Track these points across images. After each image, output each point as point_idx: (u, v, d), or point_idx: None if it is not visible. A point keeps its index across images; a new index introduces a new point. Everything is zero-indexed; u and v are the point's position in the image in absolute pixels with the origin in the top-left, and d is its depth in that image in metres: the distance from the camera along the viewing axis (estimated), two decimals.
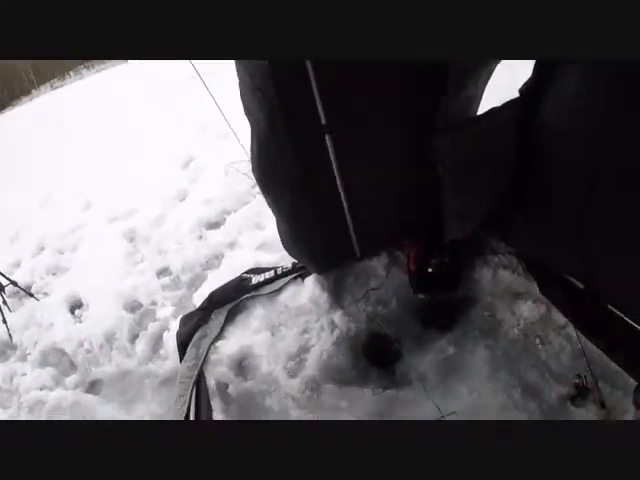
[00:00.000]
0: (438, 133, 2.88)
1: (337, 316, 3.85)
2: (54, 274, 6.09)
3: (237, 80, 2.76)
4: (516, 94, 2.88)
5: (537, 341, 3.57)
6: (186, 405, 3.59)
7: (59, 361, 4.85)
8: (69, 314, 5.29)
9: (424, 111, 2.81)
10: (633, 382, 3.08)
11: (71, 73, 23.54)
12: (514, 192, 3.34)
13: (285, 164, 3.07)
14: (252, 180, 5.46)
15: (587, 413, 3.15)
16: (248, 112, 2.91)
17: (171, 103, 9.68)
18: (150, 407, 4.04)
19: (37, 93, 22.14)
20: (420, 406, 3.31)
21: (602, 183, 2.62)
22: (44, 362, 4.88)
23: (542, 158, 3.03)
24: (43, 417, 4.31)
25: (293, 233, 3.68)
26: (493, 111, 2.89)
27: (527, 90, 2.85)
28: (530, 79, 2.81)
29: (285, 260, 4.25)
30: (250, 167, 3.29)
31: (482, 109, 3.10)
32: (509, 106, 2.89)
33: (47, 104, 15.52)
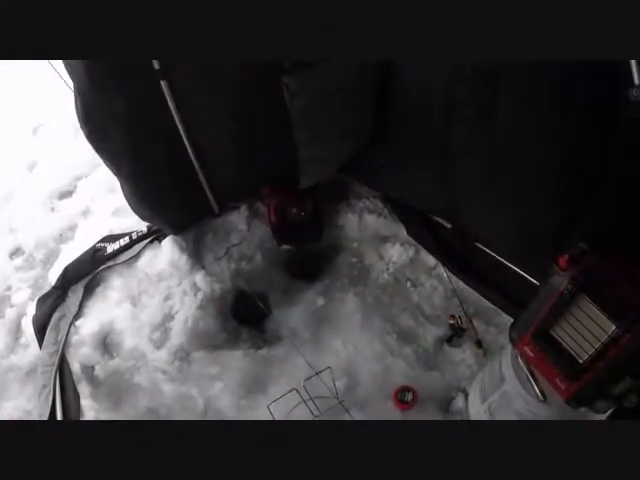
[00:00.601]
0: (286, 72, 2.70)
1: (199, 277, 3.64)
2: None
3: None
4: None
5: (408, 284, 3.59)
6: (51, 395, 3.35)
7: None
8: None
9: None
10: (507, 318, 3.18)
11: None
12: (373, 131, 3.24)
13: (115, 118, 2.80)
14: None
15: (464, 353, 3.21)
16: (68, 64, 2.61)
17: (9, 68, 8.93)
18: (19, 402, 3.69)
19: None
20: (293, 363, 3.26)
21: (460, 114, 2.59)
22: None
23: (399, 92, 2.94)
24: None
25: (138, 193, 3.40)
26: None
27: None
28: None
29: (140, 224, 3.97)
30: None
31: None
32: None
33: None
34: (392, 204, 3.83)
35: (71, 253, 4.24)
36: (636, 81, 1.68)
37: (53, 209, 5.10)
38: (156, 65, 2.61)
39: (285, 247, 3.81)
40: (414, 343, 3.29)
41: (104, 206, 4.74)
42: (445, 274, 3.49)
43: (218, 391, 3.27)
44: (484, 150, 2.60)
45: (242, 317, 3.64)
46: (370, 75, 2.90)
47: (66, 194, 5.23)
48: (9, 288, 4.49)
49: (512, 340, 2.29)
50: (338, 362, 3.21)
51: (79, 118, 2.84)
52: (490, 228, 3.05)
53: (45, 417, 3.26)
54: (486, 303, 3.35)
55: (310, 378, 2.97)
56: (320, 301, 3.57)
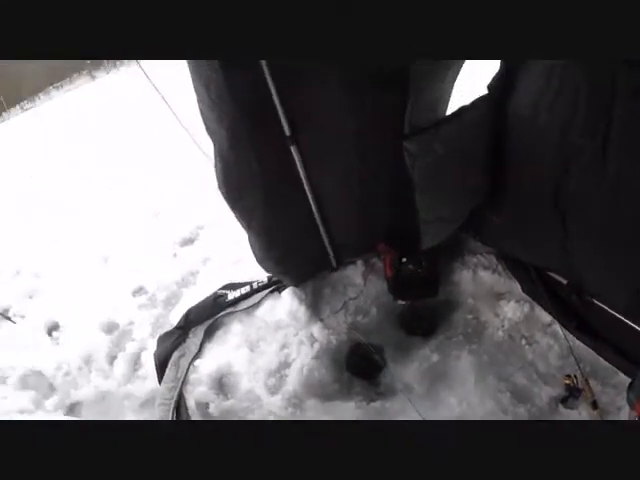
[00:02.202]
0: (406, 138, 2.83)
1: (316, 329, 3.77)
2: (30, 297, 5.98)
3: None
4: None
5: (523, 342, 3.52)
6: None
7: (38, 384, 4.69)
8: (46, 336, 5.18)
9: (390, 115, 2.76)
10: (624, 378, 3.05)
11: (40, 95, 23.41)
12: (489, 190, 3.30)
13: (251, 178, 3.01)
14: None
15: (579, 415, 3.09)
16: (209, 130, 2.83)
17: (138, 119, 9.62)
18: None
19: (7, 116, 21.96)
20: (406, 418, 3.22)
21: (572, 167, 2.60)
22: (23, 385, 4.73)
23: (514, 154, 3.01)
24: None
25: (265, 247, 3.59)
26: (461, 110, 2.85)
27: (495, 86, 2.81)
28: (497, 74, 2.77)
29: (261, 275, 4.15)
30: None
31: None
32: (477, 104, 2.85)
33: (18, 126, 15.39)
34: (506, 260, 3.80)
35: (192, 297, 4.51)
36: None
37: (175, 255, 5.43)
38: (287, 132, 2.81)
39: (401, 302, 3.85)
40: (528, 403, 3.19)
41: (225, 256, 5.00)
42: (561, 331, 3.37)
43: None
44: (596, 202, 2.58)
45: (356, 369, 3.67)
46: (485, 135, 3.00)
47: (188, 241, 5.58)
48: (131, 323, 4.82)
49: (630, 402, 2.22)
50: (451, 419, 3.18)
51: (218, 178, 3.06)
52: (605, 282, 2.96)
53: None
54: (603, 362, 3.22)
55: None
56: (435, 357, 3.56)
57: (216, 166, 3.00)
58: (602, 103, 2.22)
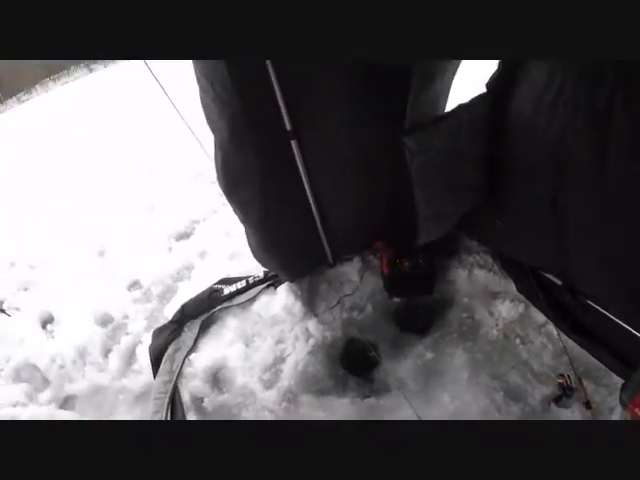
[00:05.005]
0: (405, 134, 2.82)
1: (312, 324, 3.77)
2: (25, 289, 5.98)
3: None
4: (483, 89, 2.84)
5: (517, 341, 3.54)
6: None
7: (32, 377, 4.71)
8: (41, 329, 5.18)
9: (390, 111, 2.76)
10: (617, 378, 3.08)
11: (37, 87, 23.32)
12: (486, 189, 3.30)
13: (250, 171, 3.01)
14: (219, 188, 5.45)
15: (572, 414, 3.11)
16: (210, 121, 2.84)
17: (135, 113, 9.61)
18: None
19: (3, 108, 21.88)
20: (400, 414, 3.24)
21: (570, 166, 2.60)
22: (17, 378, 4.75)
23: (512, 153, 3.00)
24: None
25: (262, 241, 3.60)
26: (460, 107, 2.85)
27: (494, 84, 2.80)
28: (496, 72, 2.77)
29: (257, 269, 4.18)
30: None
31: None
32: (476, 102, 2.85)
33: (14, 118, 15.34)
34: (502, 259, 3.82)
35: (187, 291, 4.52)
36: None
37: (170, 249, 5.44)
38: (288, 126, 2.82)
39: (396, 300, 3.86)
40: (521, 401, 3.21)
41: (220, 250, 5.02)
42: (555, 331, 3.39)
43: None
44: (593, 202, 2.59)
45: (351, 365, 3.69)
46: (483, 134, 3.00)
47: (183, 235, 5.60)
48: (126, 317, 4.83)
49: (622, 402, 2.21)
50: (444, 416, 3.19)
51: (217, 169, 3.08)
52: (599, 284, 2.97)
53: None
54: (596, 363, 3.24)
55: None
56: (429, 355, 3.57)
57: (216, 158, 3.01)
58: (602, 104, 2.22)
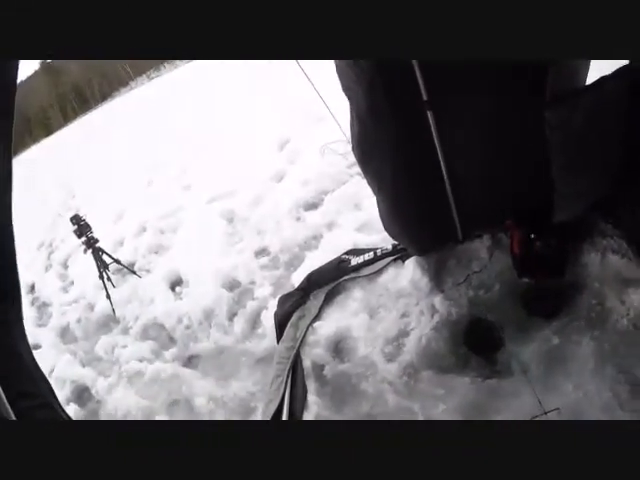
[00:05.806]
0: (547, 107, 2.71)
1: (437, 300, 3.73)
2: (156, 253, 6.41)
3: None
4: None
5: None
6: (283, 386, 3.63)
7: (159, 335, 5.10)
8: (169, 291, 5.53)
9: (531, 83, 2.67)
10: None
11: (165, 64, 24.42)
12: (626, 171, 3.11)
13: (385, 141, 3.02)
14: (348, 160, 5.53)
15: None
16: (346, 88, 2.87)
17: (262, 87, 9.80)
18: (245, 384, 4.12)
19: (134, 84, 23.12)
20: (521, 399, 3.15)
21: None
22: (144, 336, 5.16)
23: None
24: (141, 386, 4.56)
25: (393, 212, 3.61)
26: (602, 80, 2.69)
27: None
28: None
29: (385, 242, 4.18)
30: (347, 147, 3.26)
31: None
32: (618, 74, 2.67)
33: (145, 94, 16.15)
34: (638, 245, 3.55)
35: (314, 260, 4.62)
36: None
37: (299, 218, 5.58)
38: (425, 96, 2.79)
39: (525, 280, 3.72)
40: None
41: (349, 221, 5.06)
42: None
43: (440, 412, 3.28)
44: None
45: (474, 344, 3.62)
46: (627, 109, 2.80)
47: (312, 206, 5.71)
48: (253, 282, 5.02)
49: None
50: (566, 405, 3.04)
51: (353, 139, 3.11)
52: None
53: (275, 403, 3.55)
54: None
55: (537, 417, 2.90)
56: (555, 340, 3.42)
57: (352, 127, 3.05)
58: None
